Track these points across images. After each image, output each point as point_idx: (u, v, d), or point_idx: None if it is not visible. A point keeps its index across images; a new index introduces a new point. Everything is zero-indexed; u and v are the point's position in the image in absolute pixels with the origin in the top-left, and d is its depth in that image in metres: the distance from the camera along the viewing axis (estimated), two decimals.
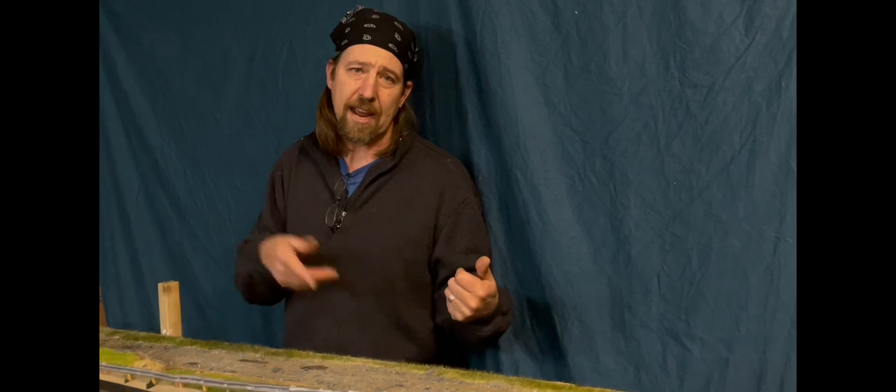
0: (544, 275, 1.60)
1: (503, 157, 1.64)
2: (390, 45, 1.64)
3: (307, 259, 1.68)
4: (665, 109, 1.46)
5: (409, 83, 1.72)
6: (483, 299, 1.46)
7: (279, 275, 1.59)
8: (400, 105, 1.70)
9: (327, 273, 1.57)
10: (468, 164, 1.71)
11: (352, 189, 1.71)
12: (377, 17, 1.66)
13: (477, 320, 1.52)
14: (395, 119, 1.70)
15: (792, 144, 1.35)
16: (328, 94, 1.72)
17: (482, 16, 1.63)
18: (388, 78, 1.64)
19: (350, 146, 1.72)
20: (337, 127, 1.68)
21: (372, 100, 1.62)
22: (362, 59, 1.63)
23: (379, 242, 1.65)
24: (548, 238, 1.59)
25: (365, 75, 1.63)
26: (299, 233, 1.71)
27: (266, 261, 1.62)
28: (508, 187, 1.65)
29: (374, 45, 1.63)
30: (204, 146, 2.13)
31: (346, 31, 1.66)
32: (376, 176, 1.68)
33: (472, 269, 1.50)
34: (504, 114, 1.62)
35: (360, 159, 1.72)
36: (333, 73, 1.69)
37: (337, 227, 1.68)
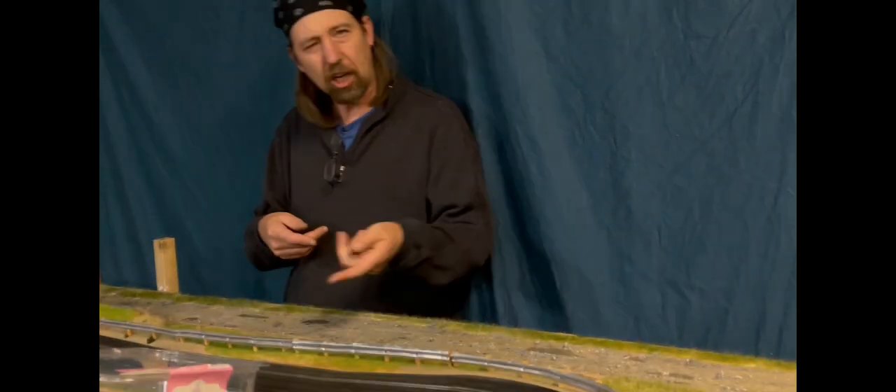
0: (544, 228, 1.60)
1: (502, 111, 1.63)
2: (321, 2, 1.59)
3: (305, 214, 1.69)
4: (668, 61, 1.45)
5: (365, 19, 1.67)
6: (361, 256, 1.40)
7: (277, 251, 1.67)
8: (369, 45, 1.68)
9: (318, 231, 1.62)
10: (468, 117, 1.70)
11: (348, 143, 1.70)
12: None
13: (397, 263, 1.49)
14: (375, 59, 1.69)
15: (793, 96, 1.34)
16: (301, 76, 1.70)
17: None
18: (340, 32, 1.61)
19: (338, 107, 1.71)
20: (319, 97, 1.69)
21: (339, 61, 1.61)
22: (308, 34, 1.61)
23: (379, 193, 1.65)
24: (547, 191, 1.59)
25: (321, 46, 1.61)
26: (300, 192, 1.74)
27: (264, 241, 1.69)
28: (508, 141, 1.64)
29: (308, 13, 1.59)
30: (199, 101, 2.10)
31: (280, 15, 1.64)
32: (371, 126, 1.68)
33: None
34: (503, 67, 1.61)
35: (354, 112, 1.72)
36: (296, 58, 1.68)
37: (337, 182, 1.69)
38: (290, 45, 1.67)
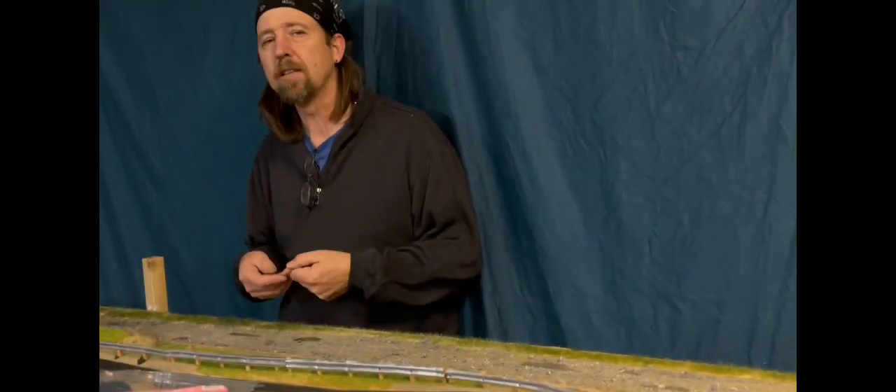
0: (536, 240, 1.60)
1: (493, 124, 1.64)
2: (285, 1, 1.62)
3: (286, 239, 1.72)
4: (655, 73, 1.46)
5: (338, 36, 1.69)
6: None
7: (252, 293, 1.71)
8: (334, 59, 1.68)
9: (287, 269, 1.65)
10: (455, 132, 1.70)
11: (322, 164, 1.70)
12: None
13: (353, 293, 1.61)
14: (339, 76, 1.69)
15: (782, 107, 1.36)
16: (267, 87, 1.71)
17: None
18: (296, 32, 1.63)
19: (306, 121, 1.71)
20: (283, 109, 1.70)
21: (286, 55, 1.62)
22: (265, 27, 1.64)
23: (357, 213, 1.65)
24: (539, 203, 1.59)
25: (274, 41, 1.63)
26: (281, 218, 1.75)
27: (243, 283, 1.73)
28: (499, 154, 1.64)
29: (269, 8, 1.64)
30: (183, 120, 2.09)
31: (254, 16, 1.68)
32: (342, 145, 1.67)
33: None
34: (494, 80, 1.61)
35: (321, 132, 1.71)
36: (258, 57, 1.70)
37: (314, 205, 1.68)
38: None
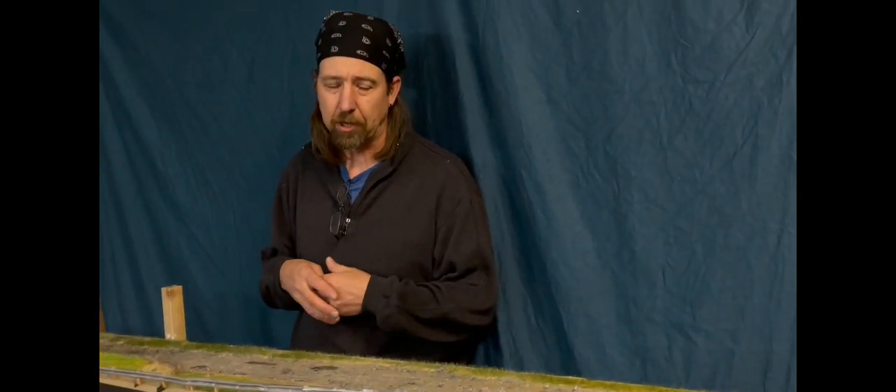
0: (549, 271, 1.61)
1: (507, 156, 1.66)
2: (359, 51, 1.61)
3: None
4: (667, 105, 1.48)
5: (396, 79, 1.69)
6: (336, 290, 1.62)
7: (299, 301, 1.69)
8: (389, 103, 1.69)
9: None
10: (471, 164, 1.72)
11: (354, 195, 1.71)
12: (344, 23, 1.63)
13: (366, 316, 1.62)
14: (390, 116, 1.70)
15: (793, 138, 1.37)
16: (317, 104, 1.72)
17: (483, 16, 1.64)
18: (363, 87, 1.63)
19: (347, 153, 1.72)
20: (330, 138, 1.69)
21: (351, 111, 1.63)
22: (333, 74, 1.62)
23: (382, 248, 1.66)
24: (552, 234, 1.60)
25: (340, 89, 1.63)
26: (306, 242, 1.75)
27: (286, 284, 1.71)
28: (512, 185, 1.66)
29: (342, 55, 1.61)
30: (205, 149, 2.12)
31: (319, 42, 1.66)
32: (377, 181, 1.69)
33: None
34: (507, 113, 1.64)
35: (360, 165, 1.73)
36: (316, 85, 1.70)
37: (342, 234, 1.70)
38: (315, 71, 1.69)
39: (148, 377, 1.40)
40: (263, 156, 2.01)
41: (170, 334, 1.75)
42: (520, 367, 1.65)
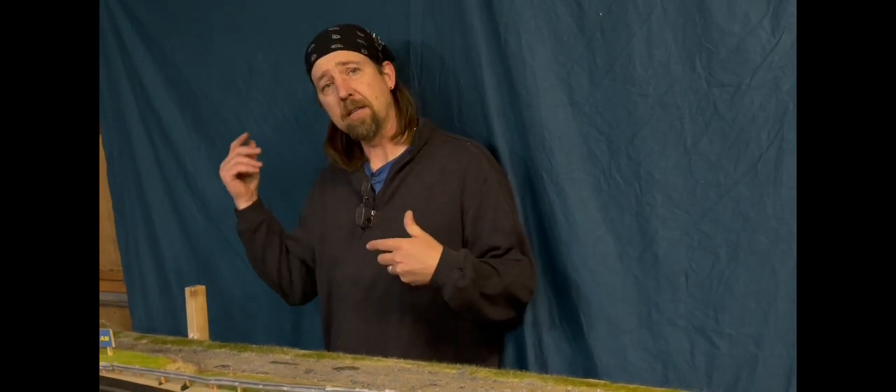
0: (571, 274, 1.61)
1: (529, 158, 1.66)
2: (332, 45, 1.70)
3: (337, 260, 1.74)
4: (692, 109, 1.47)
5: (386, 63, 1.75)
6: (402, 250, 1.53)
7: (232, 169, 1.82)
8: (389, 86, 1.74)
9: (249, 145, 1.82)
10: (496, 159, 1.72)
11: (378, 187, 1.74)
12: (319, 34, 1.74)
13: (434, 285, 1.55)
14: (396, 101, 1.74)
15: None
16: (331, 126, 1.79)
17: (506, 19, 1.64)
18: (350, 70, 1.69)
19: (366, 148, 1.76)
20: (346, 143, 1.77)
21: (350, 94, 1.68)
22: (321, 73, 1.71)
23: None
24: (574, 237, 1.60)
25: (333, 84, 1.70)
26: (333, 237, 1.78)
27: (228, 185, 1.84)
28: (534, 187, 1.66)
29: (320, 56, 1.71)
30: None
31: (306, 67, 1.75)
32: (399, 169, 1.71)
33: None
34: (529, 115, 1.64)
35: (380, 157, 1.76)
36: (320, 104, 1.77)
37: (368, 226, 1.72)
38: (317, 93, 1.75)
39: (172, 376, 1.41)
40: (290, 157, 2.03)
41: (193, 333, 1.77)
42: (544, 368, 1.65)
